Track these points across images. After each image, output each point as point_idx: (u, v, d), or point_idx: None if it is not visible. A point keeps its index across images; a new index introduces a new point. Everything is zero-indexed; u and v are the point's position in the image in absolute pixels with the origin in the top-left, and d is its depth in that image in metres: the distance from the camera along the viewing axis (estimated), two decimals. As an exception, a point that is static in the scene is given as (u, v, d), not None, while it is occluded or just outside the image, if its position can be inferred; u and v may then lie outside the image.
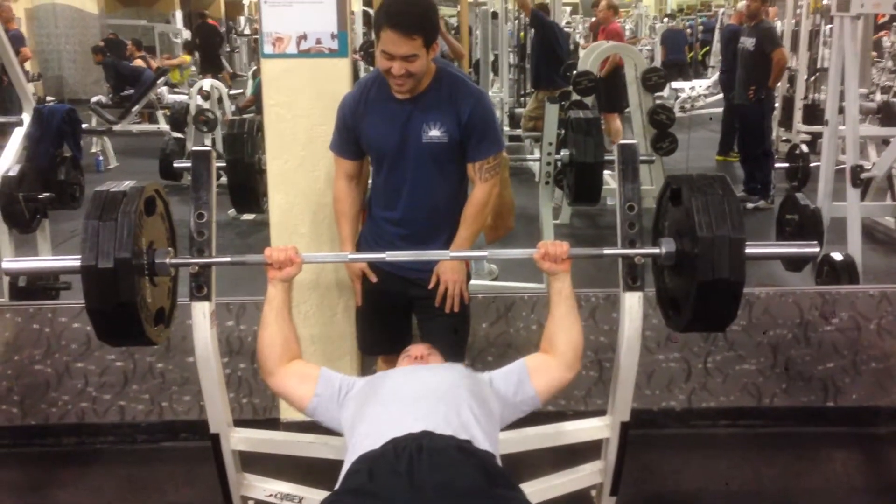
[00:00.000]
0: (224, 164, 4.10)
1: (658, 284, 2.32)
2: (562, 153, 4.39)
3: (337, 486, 1.74)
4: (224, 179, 6.99)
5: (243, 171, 3.78)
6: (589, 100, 6.26)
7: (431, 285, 2.52)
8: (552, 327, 2.17)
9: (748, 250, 2.02)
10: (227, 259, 2.26)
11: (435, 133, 2.42)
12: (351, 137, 2.54)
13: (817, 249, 2.29)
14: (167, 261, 2.10)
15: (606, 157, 4.16)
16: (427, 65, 2.36)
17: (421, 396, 1.92)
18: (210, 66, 12.90)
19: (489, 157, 2.50)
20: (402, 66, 2.28)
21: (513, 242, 5.59)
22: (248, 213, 6.40)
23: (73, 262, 1.96)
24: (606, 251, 2.24)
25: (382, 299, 2.65)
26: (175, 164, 5.12)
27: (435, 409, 1.85)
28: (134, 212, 1.96)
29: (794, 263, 4.57)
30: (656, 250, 2.17)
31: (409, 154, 2.46)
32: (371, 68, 8.35)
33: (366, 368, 3.14)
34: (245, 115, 6.57)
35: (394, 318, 2.70)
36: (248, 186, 3.81)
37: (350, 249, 2.60)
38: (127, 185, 2.03)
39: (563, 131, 4.58)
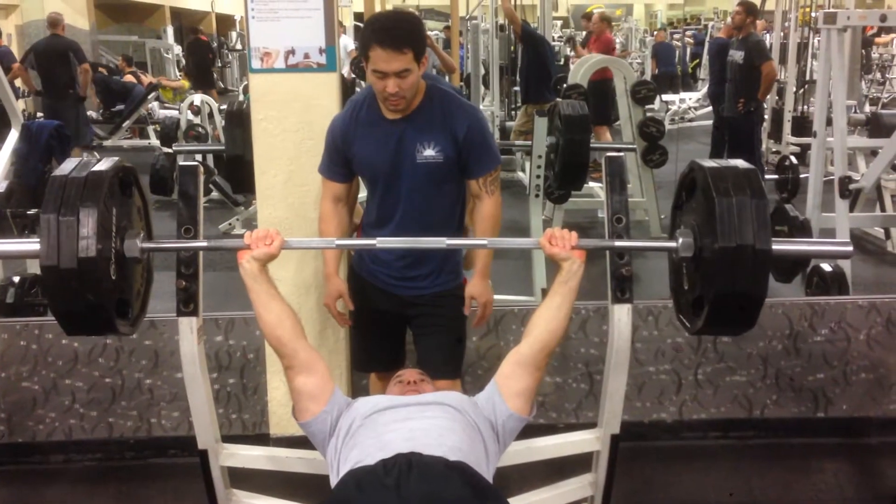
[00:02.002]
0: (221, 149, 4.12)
1: (673, 282, 2.18)
2: (548, 140, 4.42)
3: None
4: (215, 194, 7.02)
5: (241, 144, 3.81)
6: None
7: (467, 310, 2.51)
8: (536, 316, 2.09)
9: (776, 246, 1.86)
10: (203, 244, 2.15)
11: (430, 152, 2.40)
12: (341, 160, 2.51)
13: (850, 248, 2.10)
14: (138, 244, 1.97)
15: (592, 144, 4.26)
16: (419, 80, 2.34)
17: (412, 425, 1.90)
18: (202, 82, 12.90)
19: (492, 171, 2.50)
20: (396, 83, 2.25)
21: (503, 257, 5.60)
22: (244, 192, 6.32)
23: (34, 245, 1.84)
24: (618, 243, 2.14)
25: (378, 319, 2.63)
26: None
27: (425, 434, 1.85)
28: (99, 200, 1.81)
29: (785, 274, 4.58)
30: (672, 243, 2.03)
31: (403, 174, 2.43)
32: (363, 83, 8.39)
33: (356, 383, 3.13)
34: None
35: (389, 337, 2.68)
36: (244, 159, 3.84)
37: (333, 270, 2.56)
38: (89, 168, 1.88)
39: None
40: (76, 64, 8.45)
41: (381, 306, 2.60)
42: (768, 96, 7.96)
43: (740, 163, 1.99)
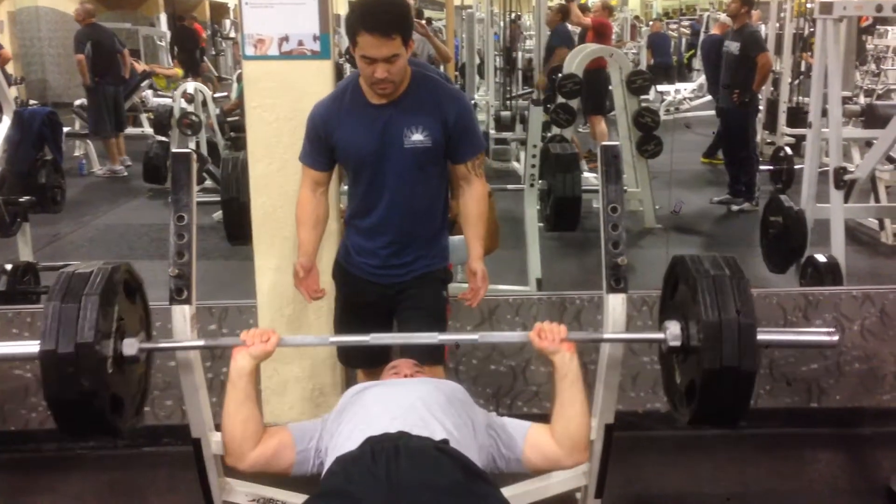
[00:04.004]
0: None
1: (664, 372, 2.20)
2: (541, 182, 4.53)
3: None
4: (208, 182, 7.00)
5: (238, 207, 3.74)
6: (574, 102, 6.27)
7: (469, 294, 2.51)
8: (554, 413, 2.02)
9: (760, 336, 1.88)
10: (201, 343, 2.19)
11: (418, 137, 2.39)
12: (323, 148, 2.49)
13: (836, 338, 2.09)
14: (137, 343, 1.99)
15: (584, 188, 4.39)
16: (406, 64, 2.34)
17: (401, 400, 1.91)
18: (187, 69, 12.86)
19: (479, 154, 2.52)
20: (385, 68, 2.25)
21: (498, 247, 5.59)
22: (242, 244, 6.21)
23: (32, 348, 1.87)
24: (606, 335, 2.15)
25: (364, 311, 2.61)
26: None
27: (412, 411, 1.85)
28: (102, 293, 1.86)
29: (779, 264, 4.59)
30: (660, 335, 2.05)
31: (390, 159, 2.42)
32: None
33: (350, 380, 3.12)
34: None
35: (375, 329, 2.63)
36: (243, 210, 3.77)
37: (308, 256, 2.52)
38: (97, 265, 1.94)
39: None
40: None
41: (368, 298, 2.59)
42: (763, 87, 7.96)
43: (717, 255, 2.04)
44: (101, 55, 8.59)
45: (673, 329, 2.01)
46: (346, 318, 2.68)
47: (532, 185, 4.81)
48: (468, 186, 2.54)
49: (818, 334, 2.17)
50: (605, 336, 2.16)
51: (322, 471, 1.94)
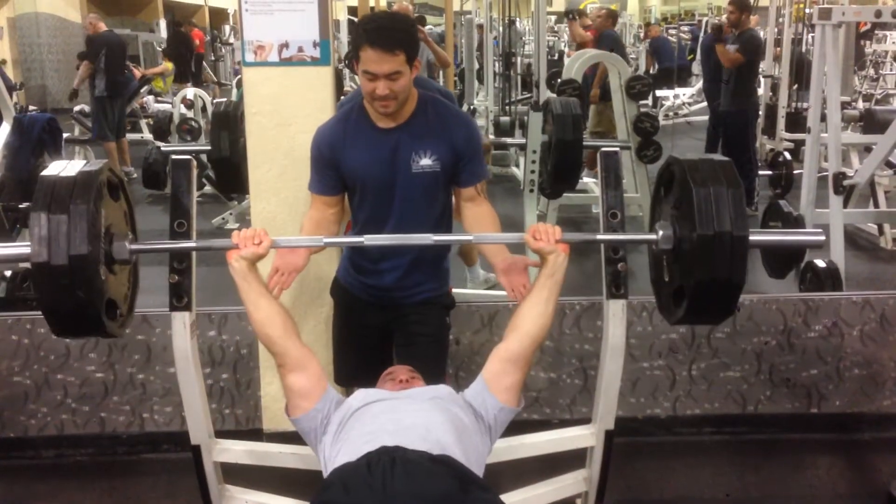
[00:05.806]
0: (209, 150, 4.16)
1: (654, 273, 2.22)
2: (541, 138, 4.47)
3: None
4: (208, 188, 6.99)
5: (227, 146, 3.82)
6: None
7: (511, 294, 2.29)
8: (524, 311, 2.08)
9: (752, 237, 1.91)
10: (192, 244, 2.14)
11: (426, 162, 2.34)
12: (333, 173, 2.41)
13: (822, 238, 2.16)
14: (127, 246, 1.97)
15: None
16: (410, 84, 2.28)
17: (403, 418, 1.90)
18: (181, 75, 12.85)
19: (484, 179, 2.47)
20: (386, 85, 2.19)
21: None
22: (230, 194, 6.20)
23: (24, 249, 1.83)
24: (600, 236, 2.18)
25: (364, 333, 2.58)
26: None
27: (411, 427, 1.85)
28: (89, 199, 1.80)
29: (778, 270, 4.59)
30: (652, 236, 2.07)
31: (397, 185, 2.37)
32: (356, 76, 8.34)
33: (348, 392, 3.11)
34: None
35: (376, 353, 2.60)
36: (230, 161, 3.82)
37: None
38: (78, 168, 1.87)
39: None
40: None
41: (368, 320, 2.55)
42: (760, 91, 7.94)
43: (715, 156, 2.04)
44: (114, 62, 8.66)
45: (665, 232, 2.03)
46: (344, 340, 2.65)
47: (532, 191, 4.81)
48: (477, 207, 2.45)
49: (806, 235, 2.25)
50: (598, 237, 2.18)
51: (315, 443, 2.00)
